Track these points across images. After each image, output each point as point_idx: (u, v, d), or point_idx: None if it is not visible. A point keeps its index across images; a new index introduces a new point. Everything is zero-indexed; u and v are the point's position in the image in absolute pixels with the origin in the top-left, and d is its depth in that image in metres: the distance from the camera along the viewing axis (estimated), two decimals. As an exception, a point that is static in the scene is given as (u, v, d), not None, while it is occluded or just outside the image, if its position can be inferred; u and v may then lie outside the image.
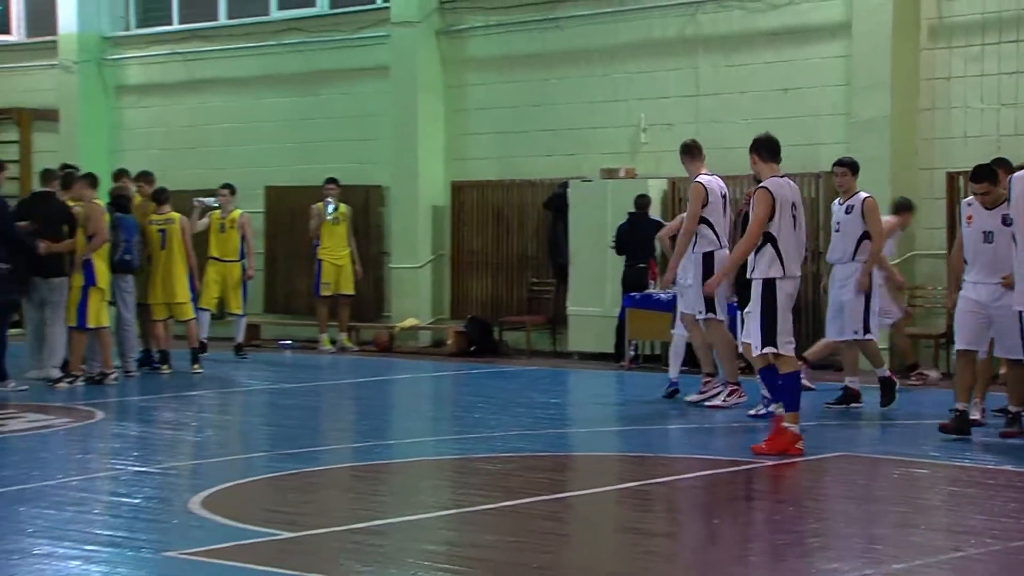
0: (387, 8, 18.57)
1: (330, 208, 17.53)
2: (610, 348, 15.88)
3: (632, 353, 15.48)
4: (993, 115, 14.61)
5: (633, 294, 14.99)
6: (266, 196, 19.62)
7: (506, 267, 17.90)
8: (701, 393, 12.10)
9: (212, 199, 16.90)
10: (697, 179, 11.88)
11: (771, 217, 9.65)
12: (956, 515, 7.90)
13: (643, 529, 7.88)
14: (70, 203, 14.03)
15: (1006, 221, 10.06)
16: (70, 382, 13.60)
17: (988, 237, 10.24)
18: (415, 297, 18.27)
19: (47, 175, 14.49)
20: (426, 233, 18.33)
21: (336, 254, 17.66)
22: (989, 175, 10.28)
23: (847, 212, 11.76)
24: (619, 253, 15.62)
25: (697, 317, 11.90)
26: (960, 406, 10.24)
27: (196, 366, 15.09)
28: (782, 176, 9.94)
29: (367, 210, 18.51)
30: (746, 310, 10.52)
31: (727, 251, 11.54)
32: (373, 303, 18.63)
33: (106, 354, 13.99)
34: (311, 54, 19.44)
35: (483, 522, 7.69)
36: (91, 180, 14.30)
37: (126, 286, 14.40)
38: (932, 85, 15.04)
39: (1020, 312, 9.77)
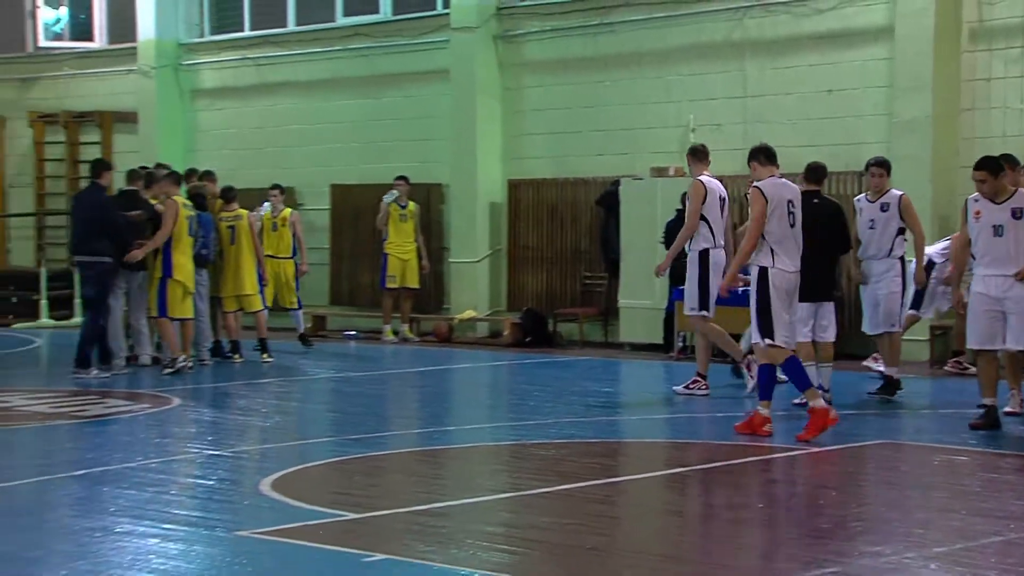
0: (447, 14, 18.59)
1: (387, 198, 17.56)
2: (659, 339, 15.84)
3: (680, 344, 15.43)
4: (1032, 115, 14.45)
5: (681, 287, 14.88)
6: (331, 194, 19.72)
7: (560, 261, 17.88)
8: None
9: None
10: (698, 178, 11.97)
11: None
12: (996, 501, 7.80)
13: (691, 512, 7.86)
14: (152, 200, 14.21)
15: (1016, 215, 9.94)
16: (172, 367, 13.73)
17: (999, 231, 10.01)
18: (473, 290, 18.29)
19: (133, 175, 14.62)
20: (484, 229, 18.35)
21: (402, 249, 17.70)
22: (988, 165, 10.10)
23: (882, 210, 11.65)
24: (668, 248, 15.53)
25: (686, 312, 12.00)
26: (987, 401, 10.05)
27: (265, 355, 15.20)
28: (779, 178, 10.02)
29: (428, 207, 18.54)
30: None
31: (722, 250, 11.67)
32: (433, 296, 18.67)
33: (186, 343, 14.13)
34: (375, 58, 19.49)
35: (539, 505, 7.70)
36: (175, 178, 14.43)
37: (200, 279, 14.53)
38: (972, 86, 14.87)
39: None
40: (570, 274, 17.76)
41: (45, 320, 20.76)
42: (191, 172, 16.31)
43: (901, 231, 11.62)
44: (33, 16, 23.16)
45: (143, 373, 13.89)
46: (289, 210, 16.79)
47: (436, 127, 18.78)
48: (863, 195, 11.96)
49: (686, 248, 11.98)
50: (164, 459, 9.25)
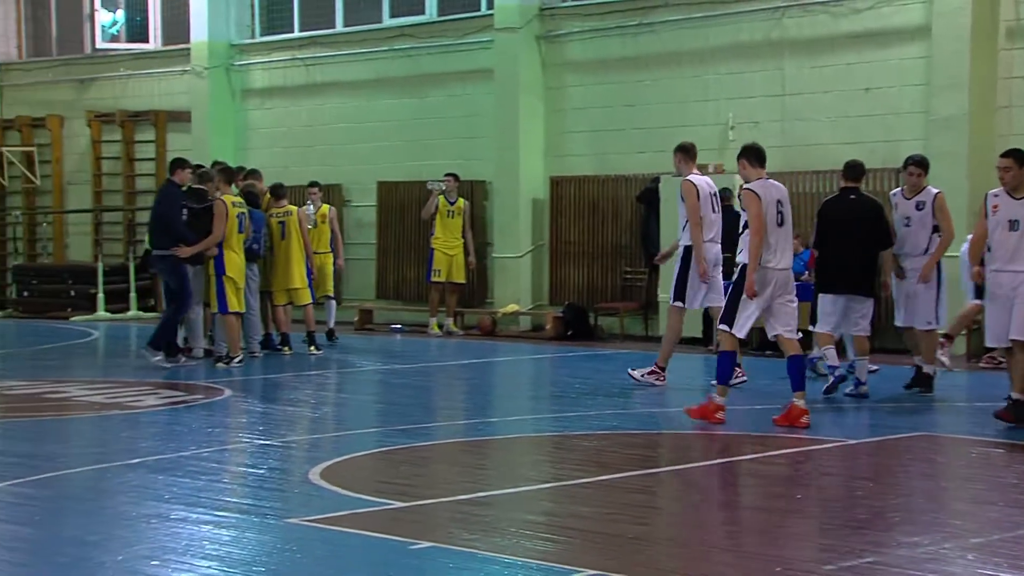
0: (491, 15, 18.58)
1: (433, 186, 17.56)
2: (698, 333, 15.76)
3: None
4: (1068, 112, 14.28)
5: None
6: (378, 191, 19.77)
7: (601, 256, 17.84)
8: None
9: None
10: (687, 178, 12.01)
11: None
12: (1032, 493, 7.73)
13: (731, 503, 7.82)
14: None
15: None
16: (227, 362, 13.80)
17: (1014, 226, 9.84)
18: (516, 284, 18.29)
19: (204, 175, 14.60)
20: (527, 225, 18.34)
21: (448, 245, 17.72)
22: (1015, 153, 9.95)
23: (918, 208, 11.53)
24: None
25: (674, 305, 12.06)
26: (1016, 395, 9.87)
27: (312, 348, 15.25)
28: (767, 179, 10.15)
29: (472, 204, 18.54)
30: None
31: (710, 246, 11.74)
32: (477, 290, 18.68)
33: (235, 337, 14.21)
34: (420, 58, 19.51)
35: (580, 495, 7.68)
36: (227, 175, 14.37)
37: (251, 274, 14.59)
38: (1009, 84, 14.71)
39: None
40: (611, 269, 17.72)
41: (102, 313, 20.95)
42: (240, 169, 16.38)
43: (936, 229, 11.50)
44: (91, 19, 23.36)
45: (197, 365, 13.98)
46: (327, 206, 16.84)
47: (480, 125, 18.79)
48: (899, 190, 11.83)
49: (679, 243, 12.10)
50: (216, 448, 9.30)
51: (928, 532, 6.69)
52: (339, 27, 20.61)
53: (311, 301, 15.52)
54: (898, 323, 11.81)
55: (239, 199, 14.28)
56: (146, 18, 23.00)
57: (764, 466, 8.72)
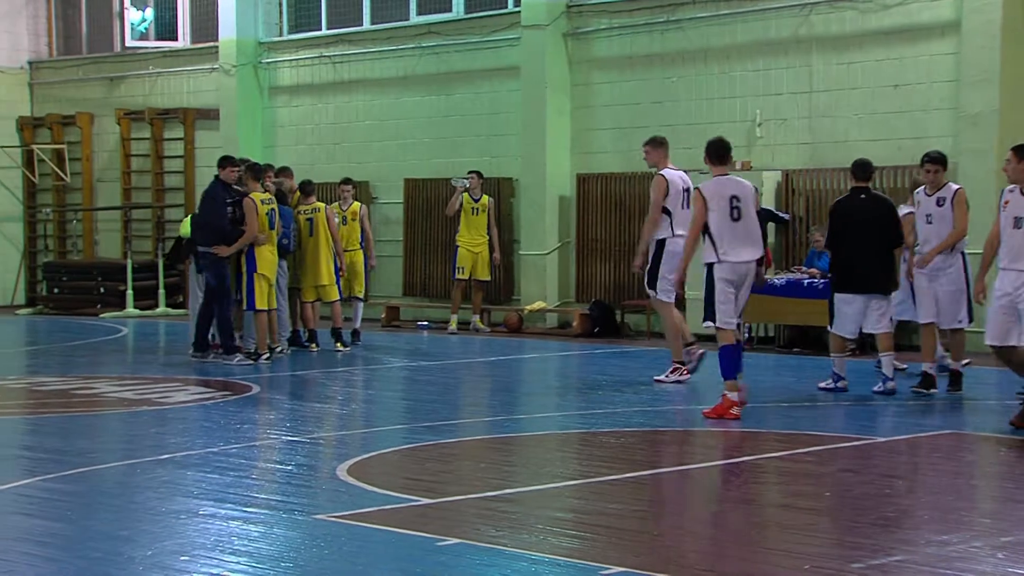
0: (518, 12, 18.57)
1: (457, 183, 17.56)
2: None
3: (746, 335, 15.28)
4: (1099, 108, 14.15)
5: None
6: (405, 188, 19.79)
7: (628, 253, 17.72)
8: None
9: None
10: (661, 172, 12.08)
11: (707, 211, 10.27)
12: (1062, 492, 7.67)
13: (757, 500, 7.79)
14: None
15: None
16: (255, 359, 13.84)
17: (1019, 223, 9.69)
18: (542, 282, 18.28)
19: (256, 170, 14.58)
20: (553, 222, 18.33)
21: (473, 242, 17.72)
22: (1017, 148, 9.85)
23: (939, 204, 11.44)
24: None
25: (651, 294, 12.20)
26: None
27: (339, 344, 15.28)
28: (726, 176, 10.43)
29: (498, 201, 18.53)
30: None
31: (680, 240, 11.66)
32: (504, 287, 18.68)
33: (269, 333, 14.24)
34: (447, 56, 19.52)
35: (607, 491, 7.67)
36: (254, 172, 14.29)
37: (280, 270, 14.63)
38: (1039, 80, 14.60)
39: None
40: (637, 266, 17.66)
41: (131, 309, 21.06)
42: (267, 167, 16.38)
43: None
44: (120, 17, 23.45)
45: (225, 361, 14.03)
46: (358, 204, 16.82)
47: (506, 123, 18.78)
48: (922, 188, 11.77)
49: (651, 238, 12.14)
50: (245, 445, 9.33)
51: (957, 530, 6.65)
52: (366, 25, 20.63)
53: (339, 298, 15.55)
54: (919, 319, 11.74)
55: (267, 195, 14.29)
56: (175, 16, 23.08)
57: (791, 464, 8.69)
